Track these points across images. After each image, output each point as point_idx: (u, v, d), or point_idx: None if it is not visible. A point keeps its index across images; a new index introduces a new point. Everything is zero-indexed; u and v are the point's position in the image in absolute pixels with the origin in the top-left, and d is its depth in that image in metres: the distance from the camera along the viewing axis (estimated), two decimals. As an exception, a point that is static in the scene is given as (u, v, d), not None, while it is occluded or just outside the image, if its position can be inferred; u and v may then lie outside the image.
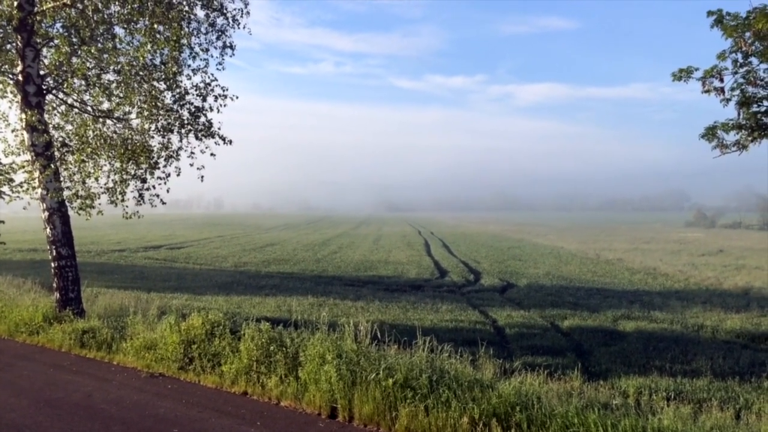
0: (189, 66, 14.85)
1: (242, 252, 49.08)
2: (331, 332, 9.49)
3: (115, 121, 15.27)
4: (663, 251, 52.23)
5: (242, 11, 15.00)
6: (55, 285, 13.54)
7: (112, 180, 14.91)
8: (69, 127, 15.54)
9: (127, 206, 14.86)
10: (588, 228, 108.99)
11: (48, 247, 13.77)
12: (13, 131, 15.18)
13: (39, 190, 13.58)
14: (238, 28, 15.12)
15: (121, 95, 15.18)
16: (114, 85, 15.30)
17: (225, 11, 14.85)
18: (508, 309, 22.49)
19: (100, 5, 14.30)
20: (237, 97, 15.40)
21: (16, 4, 13.11)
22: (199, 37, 14.83)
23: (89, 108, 15.52)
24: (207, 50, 14.91)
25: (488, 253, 49.96)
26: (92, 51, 14.77)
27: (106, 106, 15.51)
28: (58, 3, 13.94)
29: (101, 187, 15.04)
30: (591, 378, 11.21)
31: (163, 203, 15.20)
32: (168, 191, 15.30)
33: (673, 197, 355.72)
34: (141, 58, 13.92)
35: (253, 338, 9.72)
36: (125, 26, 14.69)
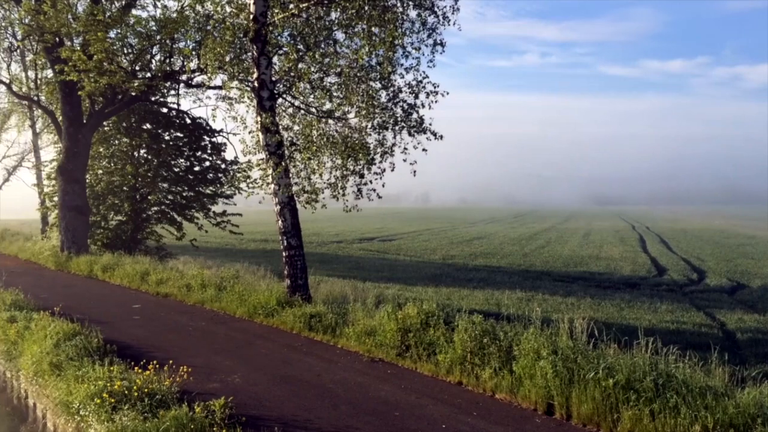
0: (401, 65, 15.42)
1: (450, 245, 49.92)
2: (544, 328, 9.33)
3: (335, 120, 16.29)
4: None
5: (452, 8, 15.20)
6: (285, 272, 14.82)
7: (334, 176, 15.94)
8: (296, 127, 16.86)
9: (347, 200, 15.81)
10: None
11: (279, 238, 15.11)
12: (249, 133, 16.83)
13: (272, 186, 14.92)
14: (448, 24, 15.34)
15: (341, 96, 16.20)
16: (335, 87, 16.39)
17: (436, 9, 15.14)
18: (739, 312, 20.43)
19: (322, 13, 15.39)
20: (447, 93, 15.68)
21: (252, 17, 14.50)
22: (411, 37, 15.28)
23: (313, 109, 16.74)
24: (418, 49, 15.30)
25: (713, 250, 45.65)
26: (316, 56, 15.93)
27: (327, 106, 16.64)
28: (287, 14, 15.21)
29: (324, 183, 16.16)
30: None
31: (379, 197, 15.95)
32: (383, 186, 16.02)
33: None
34: (359, 60, 14.73)
35: (467, 330, 9.83)
36: (345, 31, 15.65)
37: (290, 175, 15.42)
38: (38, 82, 31.21)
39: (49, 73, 27.98)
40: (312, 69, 16.12)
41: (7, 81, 31.82)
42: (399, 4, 14.84)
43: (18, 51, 32.39)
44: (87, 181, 26.82)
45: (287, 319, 13.27)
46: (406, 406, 8.31)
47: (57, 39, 23.31)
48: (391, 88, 15.35)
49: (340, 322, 12.37)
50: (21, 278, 19.95)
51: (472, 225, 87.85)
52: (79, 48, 21.30)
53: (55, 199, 27.56)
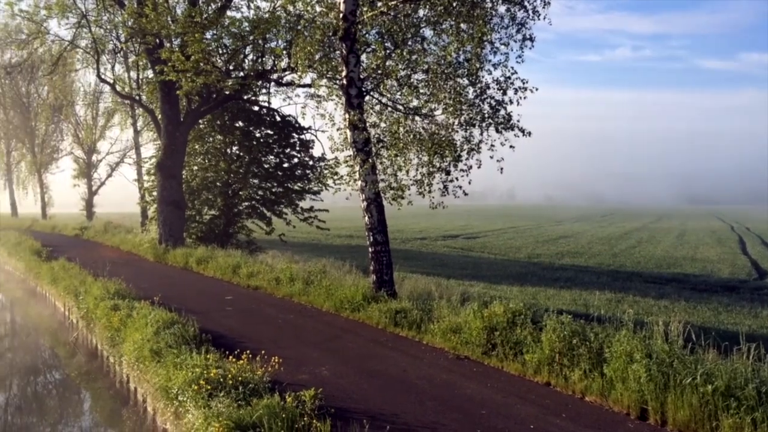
0: (489, 61, 15.28)
1: (535, 243, 49.01)
2: (637, 330, 9.04)
3: (422, 117, 16.34)
4: None
5: (543, 1, 14.92)
6: (371, 268, 15.00)
7: (420, 173, 16.01)
8: (383, 124, 17.02)
9: (433, 197, 15.84)
10: None
11: (365, 234, 15.31)
12: (338, 130, 17.12)
13: (359, 182, 15.12)
14: (538, 19, 15.07)
15: (428, 93, 16.24)
16: (422, 84, 16.44)
17: (525, 4, 14.90)
18: None
19: (410, 10, 15.45)
20: (537, 89, 15.43)
21: (341, 16, 14.73)
22: (499, 32, 15.11)
23: (400, 106, 16.85)
24: (507, 44, 15.12)
25: (822, 253, 42.72)
26: (403, 54, 16.04)
27: (414, 103, 16.71)
28: (375, 12, 15.36)
29: (410, 180, 16.25)
30: None
31: (465, 194, 15.89)
32: (470, 183, 15.95)
33: None
34: (447, 57, 14.72)
35: (555, 330, 9.66)
36: (433, 28, 15.67)
37: (377, 171, 15.58)
38: (140, 82, 32.93)
39: (150, 73, 29.45)
40: (399, 66, 16.25)
41: (112, 81, 33.76)
42: (488, 0, 14.72)
43: (121, 53, 34.28)
44: (183, 176, 28.04)
45: (373, 314, 13.43)
46: (493, 405, 8.26)
47: (157, 41, 24.48)
48: (479, 85, 15.26)
49: (425, 318, 12.41)
50: (123, 269, 21.09)
51: (559, 223, 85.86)
52: (177, 49, 22.31)
53: (154, 193, 29.01)
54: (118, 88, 34.35)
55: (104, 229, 38.03)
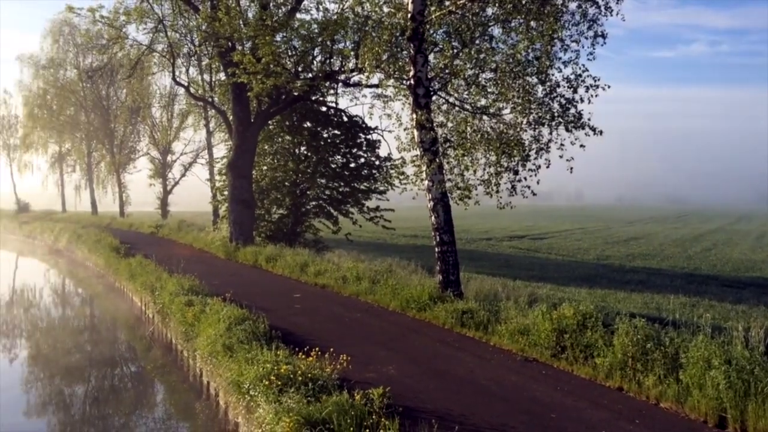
0: (559, 59, 15.02)
1: (604, 245, 47.84)
2: (714, 335, 8.73)
3: (490, 116, 16.19)
4: None
5: (616, -3, 14.55)
6: (438, 268, 14.97)
7: (488, 172, 15.87)
8: (450, 124, 16.95)
9: (500, 197, 15.68)
10: None
11: (432, 234, 15.29)
12: (404, 130, 17.16)
13: (426, 182, 15.12)
14: (611, 15, 14.71)
15: (496, 92, 16.07)
16: (490, 83, 16.28)
17: (597, 0, 14.57)
18: None
19: (478, 9, 15.33)
20: (609, 87, 15.07)
21: (409, 16, 14.76)
22: (570, 29, 14.84)
23: (467, 106, 16.75)
24: (578, 41, 14.84)
25: None
26: (471, 53, 15.92)
27: (482, 103, 16.57)
28: (443, 11, 15.33)
29: (477, 179, 16.13)
30: None
31: (534, 194, 15.66)
32: (538, 183, 15.73)
33: None
34: (517, 55, 14.54)
35: (628, 333, 9.43)
36: (501, 26, 15.50)
37: (443, 171, 15.54)
38: (212, 84, 33.95)
39: (222, 75, 30.27)
40: (467, 65, 16.15)
41: (186, 84, 34.90)
42: (559, -4, 14.46)
43: (195, 56, 35.37)
44: (253, 176, 28.69)
45: (439, 314, 13.41)
46: (563, 409, 8.12)
47: (229, 44, 25.15)
48: (548, 83, 15.01)
49: (492, 319, 12.31)
50: (195, 266, 21.76)
51: (630, 224, 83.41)
52: (248, 52, 22.86)
53: (225, 193, 29.78)
54: (192, 90, 35.52)
55: (178, 227, 39.28)
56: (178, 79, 33.36)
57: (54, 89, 57.09)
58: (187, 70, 38.10)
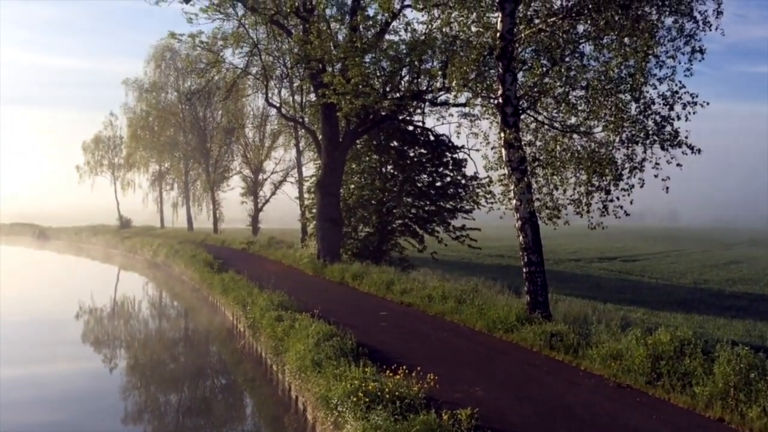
0: (654, 75, 14.59)
1: (702, 268, 45.58)
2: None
3: (580, 135, 15.86)
4: None
5: (715, 11, 14.01)
6: (525, 288, 14.73)
7: (578, 192, 15.53)
8: (539, 143, 16.72)
9: (591, 217, 15.30)
10: None
11: (519, 254, 15.08)
12: (492, 149, 17.08)
13: (513, 201, 14.95)
14: (709, 30, 14.17)
15: (587, 110, 15.73)
16: (581, 101, 15.96)
17: (695, 14, 14.09)
18: None
19: (568, 26, 15.12)
20: (708, 104, 14.49)
21: (498, 35, 14.71)
22: (665, 45, 14.40)
23: (557, 124, 16.48)
24: (674, 57, 14.37)
25: None
26: (561, 70, 15.70)
27: (572, 121, 16.26)
28: (533, 29, 15.21)
29: (567, 199, 15.81)
30: None
31: (627, 214, 15.22)
32: (631, 203, 15.27)
33: None
34: (609, 72, 14.22)
35: (729, 362, 8.98)
36: (593, 43, 15.21)
37: (532, 190, 15.32)
38: (303, 105, 34.86)
39: (313, 96, 31.11)
40: (557, 83, 15.93)
41: (278, 105, 36.08)
42: (653, 12, 14.08)
43: (287, 78, 36.53)
44: (341, 194, 29.22)
45: (527, 336, 13.17)
46: (659, 439, 7.80)
47: (320, 66, 25.84)
48: (642, 100, 14.58)
49: (582, 342, 11.97)
50: (284, 282, 22.30)
51: (729, 247, 79.02)
52: (338, 73, 23.42)
53: (314, 211, 30.47)
54: (283, 111, 36.69)
55: (268, 244, 40.40)
56: (270, 101, 34.52)
57: (156, 111, 60.51)
58: (279, 92, 39.40)
